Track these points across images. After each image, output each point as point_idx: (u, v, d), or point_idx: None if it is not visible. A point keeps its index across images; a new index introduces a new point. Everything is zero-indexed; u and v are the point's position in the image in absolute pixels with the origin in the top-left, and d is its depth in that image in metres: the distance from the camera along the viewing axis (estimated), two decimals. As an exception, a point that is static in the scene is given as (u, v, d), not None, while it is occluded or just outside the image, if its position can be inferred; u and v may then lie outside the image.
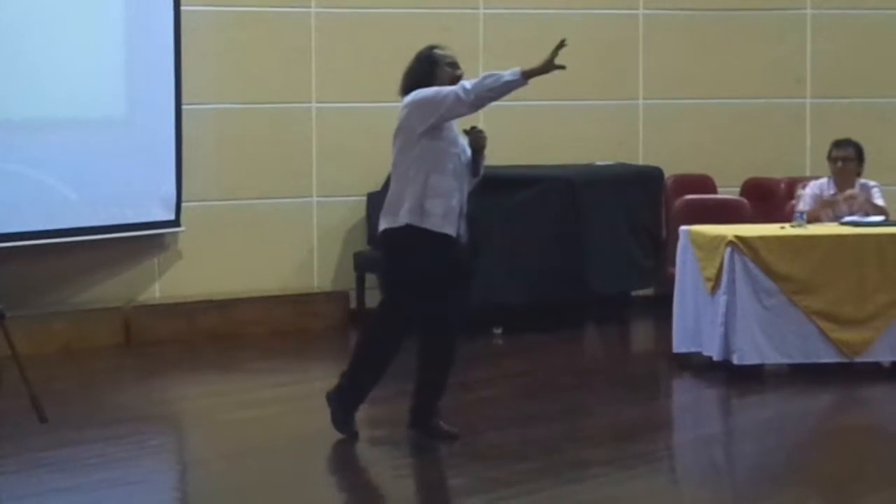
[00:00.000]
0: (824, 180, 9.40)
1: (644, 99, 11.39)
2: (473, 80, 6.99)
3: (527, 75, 6.91)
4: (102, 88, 9.95)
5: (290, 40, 10.60)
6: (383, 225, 7.10)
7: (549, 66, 6.92)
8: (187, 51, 10.21)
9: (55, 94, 9.67)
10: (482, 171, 7.26)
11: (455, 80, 7.09)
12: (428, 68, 7.10)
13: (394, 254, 7.15)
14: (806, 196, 9.24)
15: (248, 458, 7.11)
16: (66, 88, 9.70)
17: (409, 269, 7.08)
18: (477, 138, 7.12)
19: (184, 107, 10.21)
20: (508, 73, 6.93)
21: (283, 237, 10.65)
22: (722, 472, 7.19)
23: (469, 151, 7.16)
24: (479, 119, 11.19)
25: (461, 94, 6.94)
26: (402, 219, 7.02)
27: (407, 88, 7.12)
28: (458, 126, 7.17)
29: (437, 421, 7.21)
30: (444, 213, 7.02)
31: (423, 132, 7.00)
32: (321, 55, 10.62)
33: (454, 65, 7.16)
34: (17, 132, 9.61)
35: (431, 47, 7.21)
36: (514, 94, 10.84)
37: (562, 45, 6.89)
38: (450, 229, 7.04)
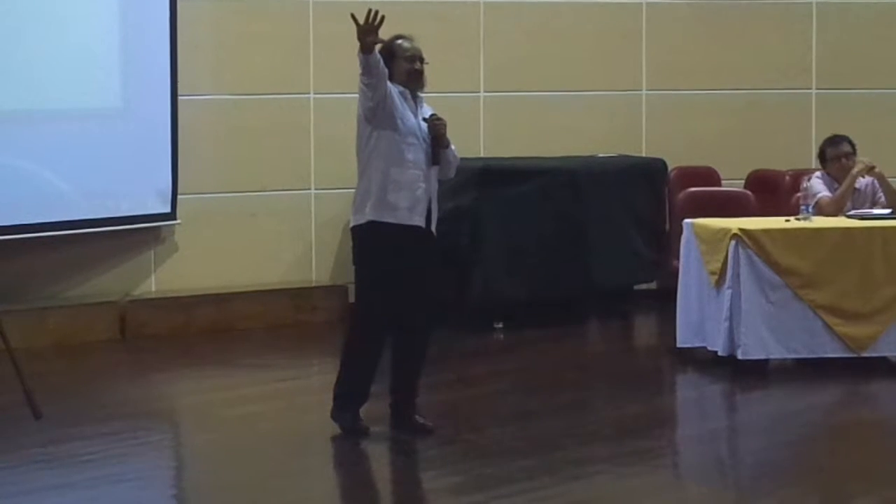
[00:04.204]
0: (825, 176, 9.19)
1: (647, 90, 11.30)
2: None
3: (362, 50, 6.78)
4: (97, 79, 9.90)
5: (288, 30, 10.55)
6: (351, 222, 7.12)
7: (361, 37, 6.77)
8: (183, 41, 10.15)
9: (50, 84, 9.62)
10: (453, 161, 7.18)
11: (411, 73, 7.03)
12: (387, 60, 6.98)
13: (361, 251, 7.14)
14: (817, 183, 9.08)
15: (245, 453, 7.10)
16: (61, 79, 9.65)
17: (377, 265, 7.05)
18: (433, 126, 7.06)
19: (180, 98, 10.15)
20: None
21: (280, 230, 10.59)
22: (726, 468, 7.16)
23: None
24: (481, 111, 11.24)
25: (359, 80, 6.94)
26: (367, 215, 7.01)
27: None
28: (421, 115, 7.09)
29: (414, 416, 7.21)
30: (411, 206, 7.00)
31: (374, 125, 6.95)
32: (319, 45, 10.54)
33: (413, 59, 7.05)
34: (10, 124, 9.58)
35: (395, 38, 7.08)
36: (514, 84, 11.00)
37: (354, 19, 6.77)
38: (419, 220, 7.02)
